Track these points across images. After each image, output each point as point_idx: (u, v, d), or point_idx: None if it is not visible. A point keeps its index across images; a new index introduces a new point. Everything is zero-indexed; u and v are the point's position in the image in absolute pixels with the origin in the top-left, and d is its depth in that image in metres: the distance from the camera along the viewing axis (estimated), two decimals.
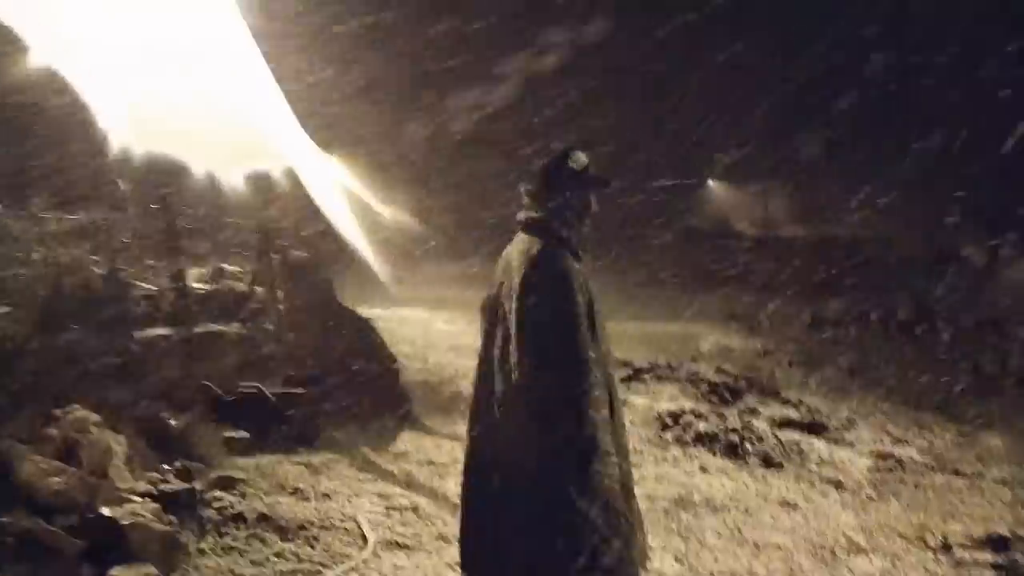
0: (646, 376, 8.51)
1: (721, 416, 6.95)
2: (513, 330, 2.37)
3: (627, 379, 8.46)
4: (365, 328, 7.88)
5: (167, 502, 4.10)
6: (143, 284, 6.78)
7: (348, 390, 6.31)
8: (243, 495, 4.75)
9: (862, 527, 4.98)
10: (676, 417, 6.87)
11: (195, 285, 7.09)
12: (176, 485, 4.42)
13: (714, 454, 6.25)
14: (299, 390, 6.16)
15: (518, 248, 2.49)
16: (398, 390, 7.25)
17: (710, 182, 37.50)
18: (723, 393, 7.66)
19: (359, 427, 6.41)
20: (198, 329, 6.49)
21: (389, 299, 13.61)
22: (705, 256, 24.73)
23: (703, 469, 5.98)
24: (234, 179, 7.53)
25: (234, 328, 6.79)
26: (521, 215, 2.54)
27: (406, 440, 6.51)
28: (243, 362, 6.42)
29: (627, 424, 2.99)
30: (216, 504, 4.50)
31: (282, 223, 8.01)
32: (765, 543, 4.64)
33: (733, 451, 6.23)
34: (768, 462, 6.11)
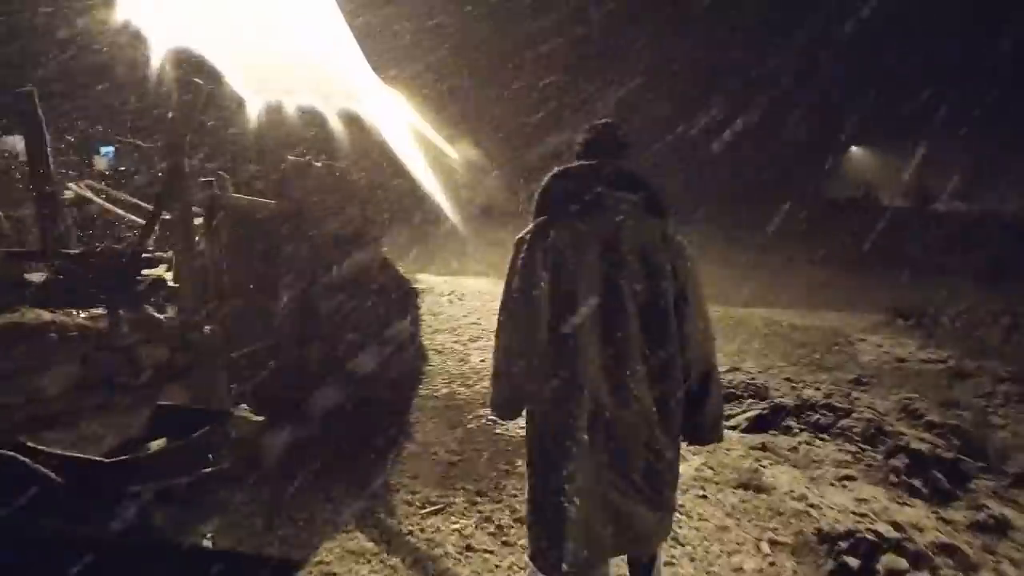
0: (793, 424, 5.14)
1: (948, 543, 3.51)
2: (690, 293, 2.25)
3: (756, 427, 5.16)
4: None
5: None
6: None
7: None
8: None
9: None
10: (863, 548, 3.40)
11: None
12: None
13: None
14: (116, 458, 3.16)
15: (622, 204, 2.24)
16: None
17: (852, 148, 33.19)
18: (934, 477, 4.18)
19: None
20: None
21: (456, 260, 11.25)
22: (846, 234, 20.77)
23: None
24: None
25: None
26: (606, 168, 2.29)
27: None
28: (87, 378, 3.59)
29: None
30: None
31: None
32: None
33: None
34: None
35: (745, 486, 4.13)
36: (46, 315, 3.85)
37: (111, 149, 10.14)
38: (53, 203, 4.43)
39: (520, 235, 2.29)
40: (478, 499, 3.88)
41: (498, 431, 4.99)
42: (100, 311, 4.01)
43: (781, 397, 5.55)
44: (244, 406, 4.88)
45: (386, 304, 7.82)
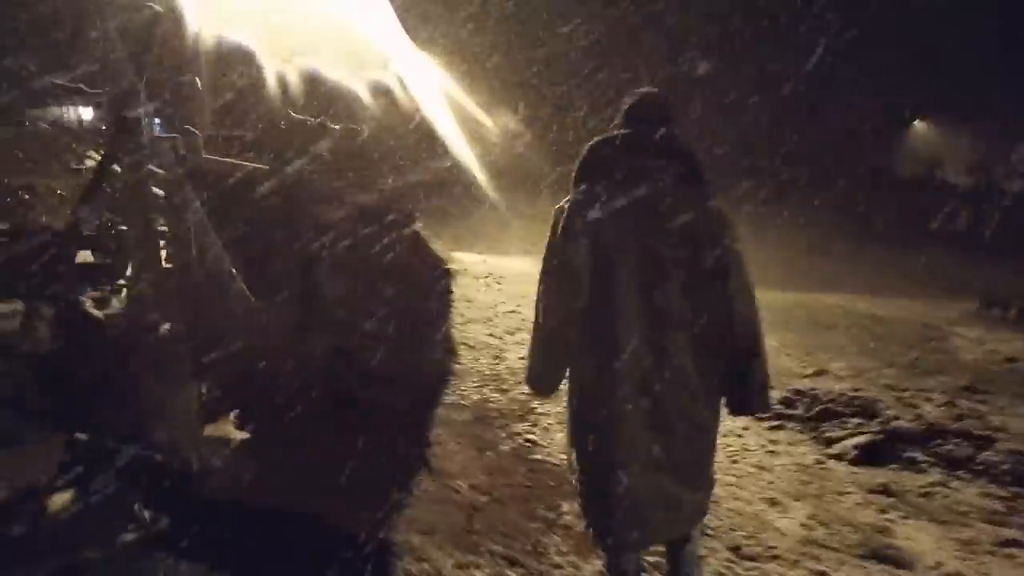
0: (918, 455, 3.95)
1: None
2: (732, 263, 2.15)
3: (869, 458, 3.98)
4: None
5: None
6: None
7: None
8: None
9: None
10: None
11: None
12: None
13: None
14: None
15: (663, 173, 2.17)
16: None
17: (916, 123, 31.35)
18: None
19: None
20: None
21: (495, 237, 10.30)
22: (913, 213, 19.16)
23: None
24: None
25: None
26: (647, 137, 2.20)
27: None
28: None
29: None
30: None
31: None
32: None
33: None
34: None
35: (875, 555, 2.98)
36: None
37: None
38: None
39: (560, 204, 2.25)
40: (510, 572, 2.80)
41: (536, 455, 3.91)
42: (15, 306, 3.02)
43: (894, 416, 4.35)
44: (234, 414, 3.94)
45: (414, 289, 6.82)
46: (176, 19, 3.66)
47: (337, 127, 5.66)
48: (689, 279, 2.12)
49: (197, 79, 3.85)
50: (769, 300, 9.76)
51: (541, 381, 2.35)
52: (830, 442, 4.16)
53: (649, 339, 2.12)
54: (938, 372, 6.15)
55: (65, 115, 6.93)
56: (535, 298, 2.27)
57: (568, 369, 2.28)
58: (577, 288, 2.16)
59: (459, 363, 5.43)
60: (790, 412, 4.51)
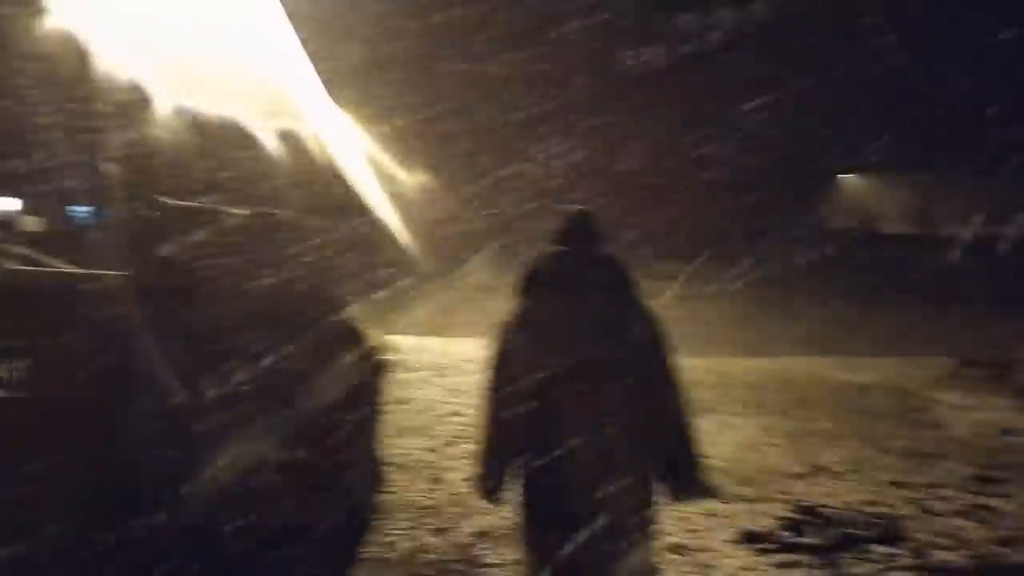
0: None
1: None
2: (661, 358, 2.36)
3: None
4: None
5: None
6: None
7: None
8: None
9: None
10: None
11: None
12: None
13: None
14: None
15: (596, 283, 2.40)
16: None
17: (842, 176, 32.13)
18: None
19: None
20: None
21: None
22: (859, 265, 18.99)
23: None
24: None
25: None
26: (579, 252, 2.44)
27: None
28: None
29: None
30: None
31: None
32: None
33: None
34: None
35: None
36: None
37: None
38: None
39: (503, 318, 2.41)
40: None
41: None
42: None
43: (927, 543, 3.47)
44: None
45: (345, 397, 5.76)
46: None
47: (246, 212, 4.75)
48: (625, 379, 2.26)
49: None
50: (740, 369, 9.09)
51: (485, 479, 2.43)
52: None
53: (583, 429, 2.21)
54: (939, 456, 5.37)
55: None
56: (481, 404, 2.42)
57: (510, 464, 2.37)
58: (519, 396, 2.26)
59: (387, 492, 4.37)
60: (803, 541, 3.59)
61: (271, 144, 7.05)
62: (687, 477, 2.32)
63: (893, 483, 4.64)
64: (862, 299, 14.84)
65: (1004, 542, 3.49)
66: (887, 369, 9.18)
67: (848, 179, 31.87)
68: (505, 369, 2.34)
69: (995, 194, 24.86)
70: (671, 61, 18.89)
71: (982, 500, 4.28)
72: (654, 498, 2.34)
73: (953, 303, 14.08)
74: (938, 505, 4.15)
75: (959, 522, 3.81)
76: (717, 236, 19.34)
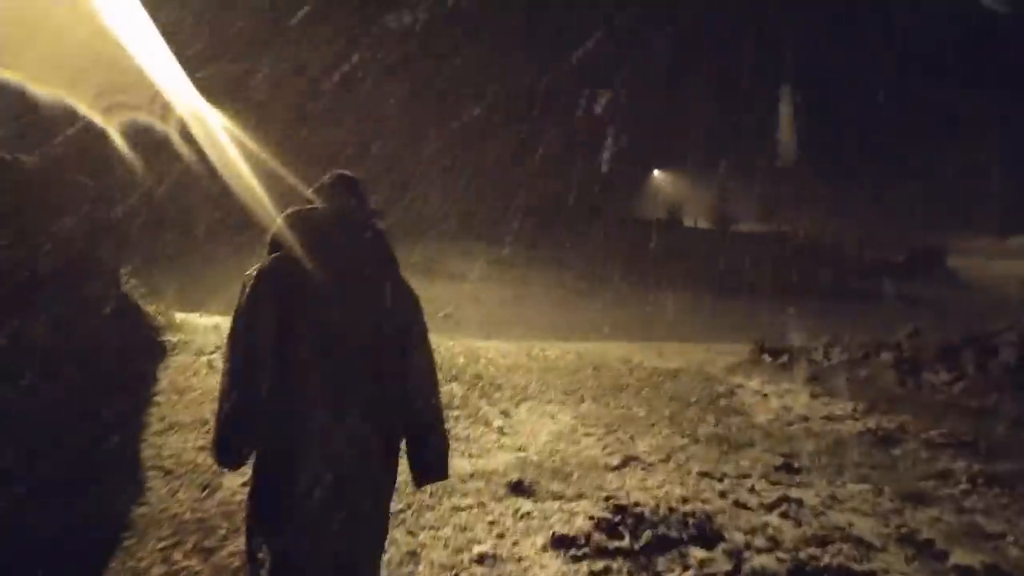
0: None
1: None
2: (415, 331, 2.25)
3: None
4: None
5: None
6: None
7: None
8: None
9: None
10: None
11: None
12: None
13: None
14: None
15: (353, 244, 2.23)
16: None
17: (656, 172, 33.98)
18: None
19: None
20: None
21: None
22: (652, 253, 19.96)
23: None
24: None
25: None
26: (339, 211, 2.27)
27: None
28: None
29: None
30: None
31: None
32: None
33: None
34: None
35: None
36: None
37: None
38: None
39: (248, 271, 2.12)
40: None
41: None
42: None
43: (745, 544, 3.27)
44: None
45: (86, 385, 4.72)
46: None
47: None
48: (373, 353, 2.12)
49: None
50: (557, 354, 8.96)
51: (223, 450, 2.02)
52: None
53: (330, 402, 2.04)
54: (746, 445, 5.38)
55: None
56: (222, 363, 2.10)
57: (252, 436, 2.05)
58: (261, 351, 2.03)
59: (144, 503, 3.54)
60: (615, 544, 3.26)
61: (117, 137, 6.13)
62: (434, 461, 2.22)
63: (705, 474, 4.51)
64: (667, 286, 15.49)
65: (816, 541, 3.37)
66: (693, 355, 9.45)
67: (658, 175, 33.67)
68: (248, 344, 2.04)
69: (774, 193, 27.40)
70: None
71: (791, 492, 4.23)
72: (396, 486, 2.22)
73: (742, 292, 14.98)
74: (749, 499, 4.03)
75: (770, 518, 3.68)
76: (527, 221, 19.45)
